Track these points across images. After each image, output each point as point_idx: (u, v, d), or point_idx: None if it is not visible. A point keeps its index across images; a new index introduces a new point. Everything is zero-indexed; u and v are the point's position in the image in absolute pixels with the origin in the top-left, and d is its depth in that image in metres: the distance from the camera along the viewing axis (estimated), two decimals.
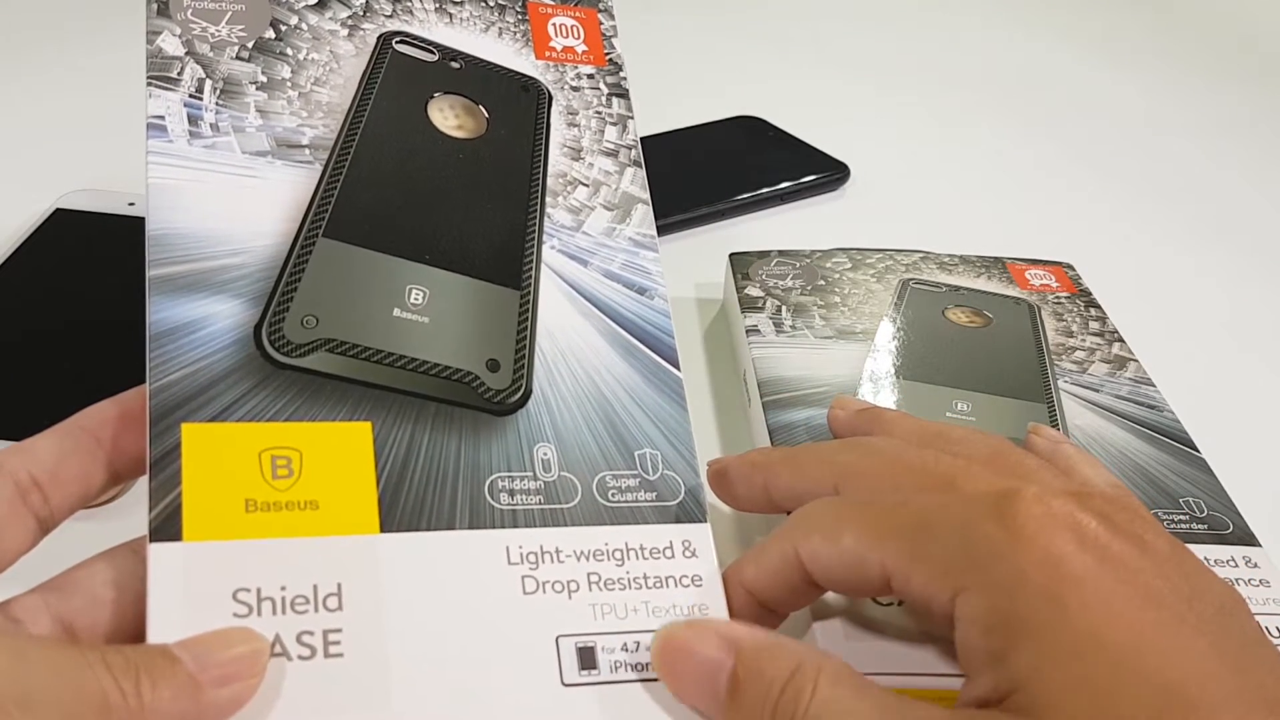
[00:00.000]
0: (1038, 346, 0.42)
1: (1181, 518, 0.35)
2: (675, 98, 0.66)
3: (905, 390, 0.39)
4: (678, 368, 0.31)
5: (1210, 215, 0.60)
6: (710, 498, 0.30)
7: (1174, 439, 0.38)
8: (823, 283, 0.45)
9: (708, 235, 0.55)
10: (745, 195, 0.56)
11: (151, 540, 0.24)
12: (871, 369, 0.40)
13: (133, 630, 0.25)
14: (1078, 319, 0.44)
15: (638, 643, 0.27)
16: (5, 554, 0.25)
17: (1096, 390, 0.40)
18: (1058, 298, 0.45)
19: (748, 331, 0.42)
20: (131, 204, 0.48)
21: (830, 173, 0.59)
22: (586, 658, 0.26)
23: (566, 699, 0.25)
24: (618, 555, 0.28)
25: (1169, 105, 0.73)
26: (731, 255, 0.47)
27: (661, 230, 0.53)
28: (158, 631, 0.24)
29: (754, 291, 0.44)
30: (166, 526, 0.25)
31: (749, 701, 0.24)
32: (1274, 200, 0.63)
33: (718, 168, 0.59)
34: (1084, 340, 0.43)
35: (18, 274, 0.44)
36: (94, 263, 0.45)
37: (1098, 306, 0.45)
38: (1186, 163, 0.66)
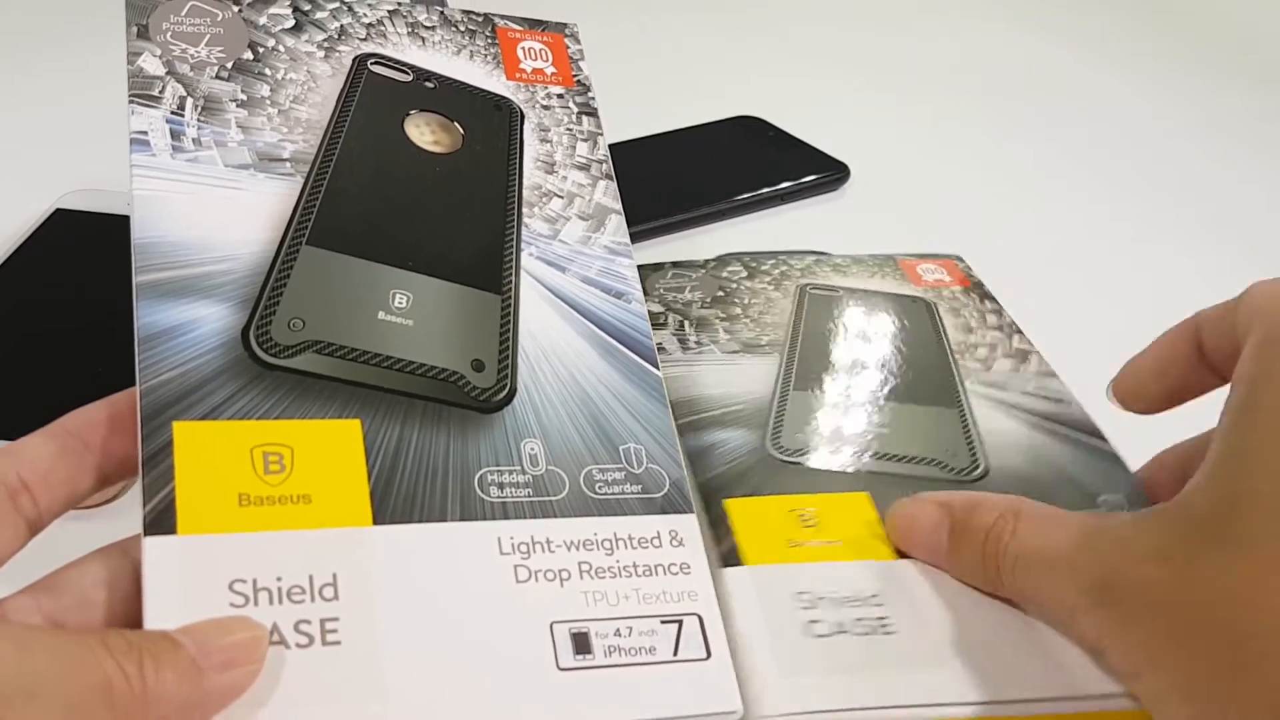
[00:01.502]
0: (940, 347, 0.41)
1: None
2: (675, 98, 0.65)
3: (820, 402, 0.38)
4: (657, 367, 0.32)
5: (1210, 215, 0.61)
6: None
7: (1084, 432, 0.37)
8: (721, 293, 0.43)
9: (708, 236, 0.55)
10: (745, 195, 0.56)
11: (146, 534, 0.25)
12: (782, 383, 0.38)
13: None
14: (975, 313, 0.43)
15: (630, 628, 0.27)
16: None
17: (1003, 389, 0.39)
18: (952, 292, 0.44)
19: None
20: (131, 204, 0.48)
21: (830, 173, 0.59)
22: (581, 643, 0.26)
23: (562, 683, 0.26)
24: (607, 545, 0.28)
25: (1169, 105, 0.73)
26: None
27: (661, 231, 0.54)
28: (154, 622, 0.24)
29: (654, 307, 0.42)
30: (161, 521, 0.25)
31: (964, 548, 0.29)
32: (1274, 200, 0.63)
33: (718, 168, 0.59)
34: (984, 336, 0.42)
35: (18, 274, 0.44)
36: (94, 263, 0.45)
37: (992, 299, 0.44)
38: (1187, 163, 0.66)
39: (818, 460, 0.34)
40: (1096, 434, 0.37)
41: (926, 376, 0.39)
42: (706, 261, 0.45)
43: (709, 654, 0.27)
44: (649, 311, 0.42)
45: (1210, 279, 0.55)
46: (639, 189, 0.44)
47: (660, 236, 0.54)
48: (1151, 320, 0.48)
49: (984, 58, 0.78)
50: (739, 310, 0.42)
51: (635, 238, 0.37)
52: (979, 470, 0.35)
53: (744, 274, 0.44)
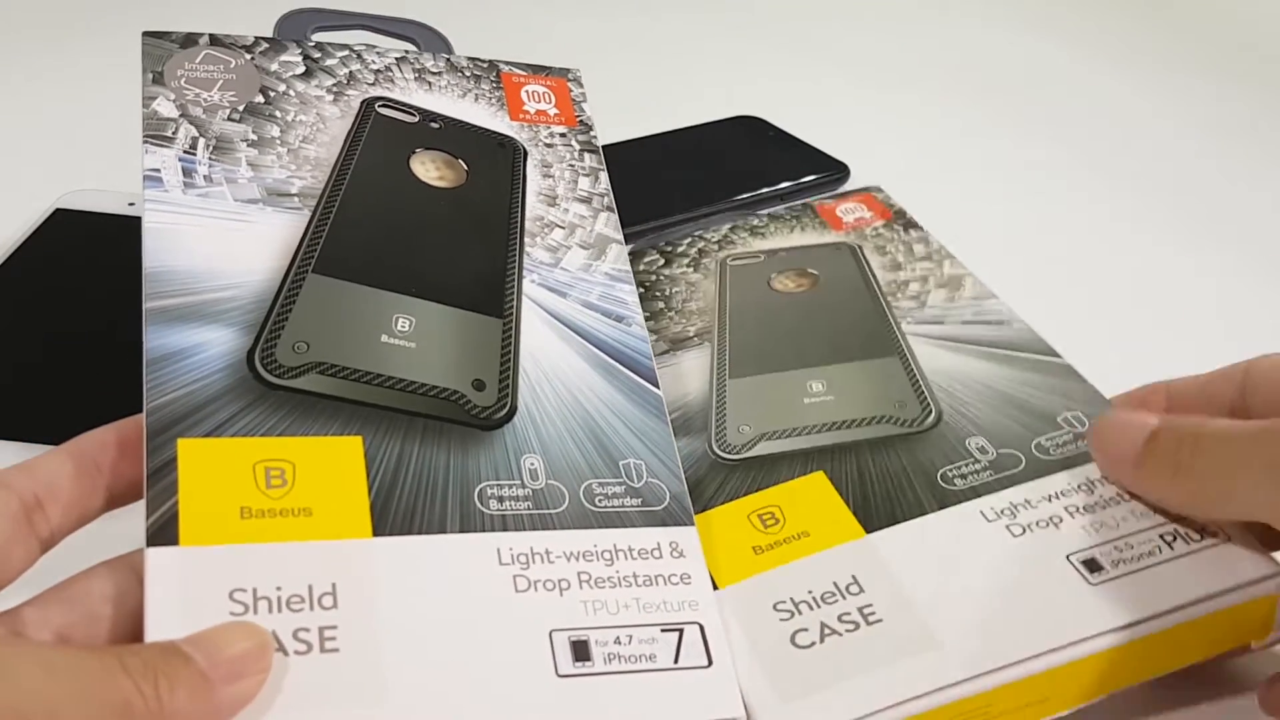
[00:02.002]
0: (870, 293, 0.39)
1: (1065, 438, 0.32)
2: (675, 98, 0.65)
3: (756, 387, 0.36)
4: (657, 386, 0.33)
5: (1210, 215, 0.61)
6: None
7: (1031, 350, 0.36)
8: (642, 290, 0.40)
9: None
10: (745, 195, 0.56)
11: (149, 545, 0.25)
12: (717, 375, 0.36)
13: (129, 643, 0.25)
14: (900, 246, 0.41)
15: (630, 636, 0.27)
16: (7, 572, 0.26)
17: (940, 323, 0.37)
18: (875, 229, 0.42)
19: None
20: (131, 204, 0.49)
21: (830, 173, 0.59)
22: (580, 650, 0.26)
23: (561, 689, 0.26)
24: (607, 556, 0.28)
25: (1169, 105, 0.73)
26: None
27: (661, 231, 0.54)
28: (156, 631, 0.24)
29: None
30: (163, 532, 0.25)
31: (1160, 442, 0.29)
32: (1275, 200, 0.63)
33: (718, 168, 0.59)
34: (914, 269, 0.40)
35: (18, 274, 0.45)
36: (94, 263, 0.46)
37: (917, 226, 0.42)
38: (1186, 162, 0.66)
39: (765, 449, 0.33)
40: (1045, 350, 0.36)
41: (861, 329, 0.38)
42: None
43: (710, 661, 0.27)
44: None
45: (1211, 279, 0.55)
46: (639, 189, 0.44)
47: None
48: (1151, 320, 0.47)
49: (984, 58, 0.77)
50: (662, 305, 0.40)
51: (634, 238, 0.37)
52: (932, 416, 0.34)
53: (661, 262, 0.42)
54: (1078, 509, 0.30)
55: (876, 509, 0.31)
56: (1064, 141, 0.68)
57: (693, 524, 0.30)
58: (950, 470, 0.32)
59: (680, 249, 0.43)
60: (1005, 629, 0.27)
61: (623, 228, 0.37)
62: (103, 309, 0.42)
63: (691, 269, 0.42)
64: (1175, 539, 0.29)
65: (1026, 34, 0.83)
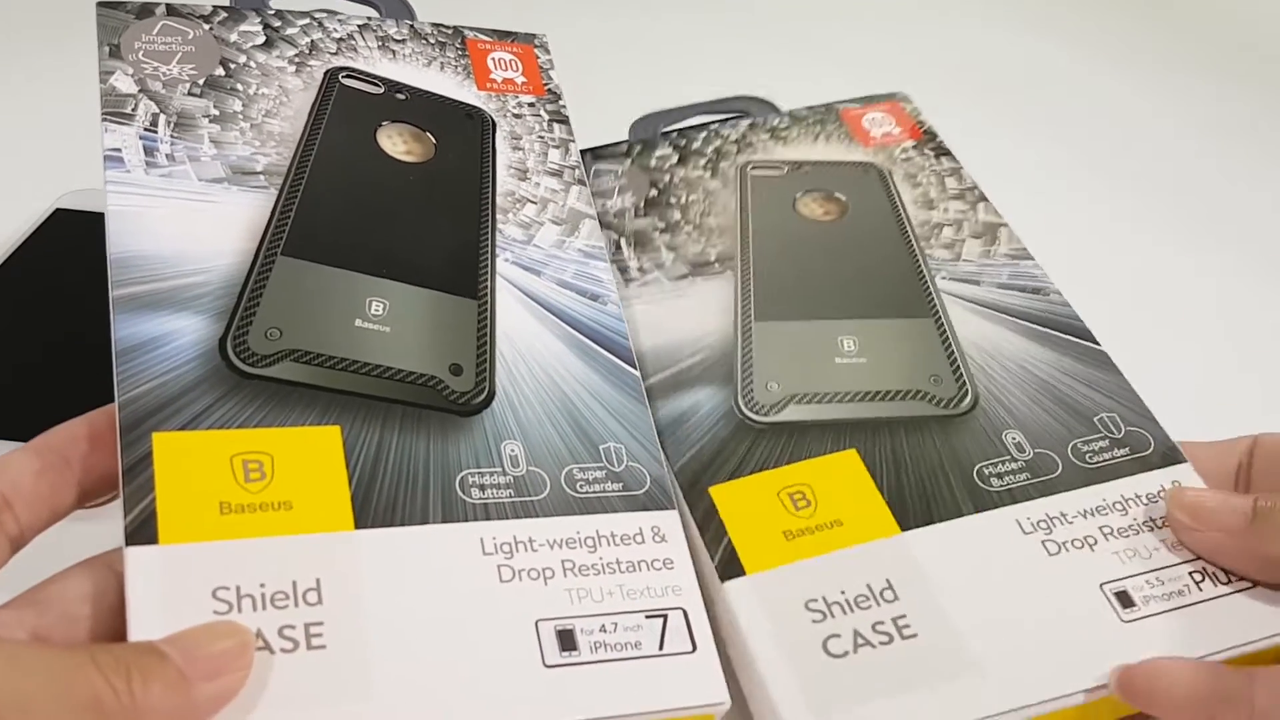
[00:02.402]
0: (902, 233, 0.36)
1: (1101, 444, 0.31)
2: (675, 97, 0.66)
3: (785, 336, 0.33)
4: (634, 366, 0.32)
5: (1211, 215, 0.61)
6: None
7: (1069, 332, 0.34)
8: (655, 192, 0.37)
9: None
10: None
11: (128, 545, 0.25)
12: (743, 316, 0.33)
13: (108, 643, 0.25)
14: (933, 178, 0.38)
15: (615, 624, 0.27)
16: None
17: (976, 283, 0.35)
18: (904, 150, 0.39)
19: None
20: None
21: None
22: (566, 640, 0.26)
23: (549, 680, 0.26)
24: (590, 543, 0.28)
25: (1169, 105, 0.74)
26: None
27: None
28: (139, 632, 0.24)
29: None
30: (142, 531, 0.25)
31: (1276, 504, 0.28)
32: (1276, 200, 0.64)
33: None
34: (947, 210, 0.37)
35: (18, 274, 0.44)
36: (94, 263, 0.45)
37: (949, 154, 0.40)
38: (1186, 162, 0.66)
39: (796, 414, 0.31)
40: (1083, 333, 0.34)
41: (894, 278, 0.35)
42: (630, 147, 0.39)
43: (695, 647, 0.27)
44: None
45: (1211, 279, 0.56)
46: None
47: None
48: (1151, 320, 0.48)
49: (984, 58, 0.77)
50: (678, 215, 0.36)
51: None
52: (968, 399, 0.32)
53: (675, 159, 0.38)
54: (1111, 531, 0.30)
55: (912, 503, 0.30)
56: (1064, 141, 0.68)
57: (674, 508, 0.30)
58: (986, 467, 0.31)
59: (695, 145, 0.39)
60: (1042, 661, 0.27)
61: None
62: (103, 309, 0.42)
63: (709, 174, 0.38)
64: (1204, 579, 0.28)
65: (1026, 34, 0.82)
